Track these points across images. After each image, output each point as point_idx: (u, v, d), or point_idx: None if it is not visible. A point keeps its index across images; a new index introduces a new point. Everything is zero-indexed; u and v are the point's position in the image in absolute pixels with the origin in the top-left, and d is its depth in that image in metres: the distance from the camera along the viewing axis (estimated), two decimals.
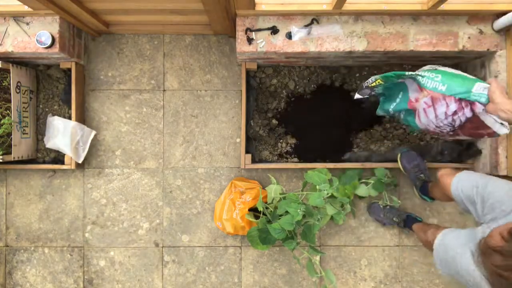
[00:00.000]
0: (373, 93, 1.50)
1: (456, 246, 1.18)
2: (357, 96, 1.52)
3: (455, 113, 1.27)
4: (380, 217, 1.87)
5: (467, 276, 1.10)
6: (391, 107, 1.55)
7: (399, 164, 1.84)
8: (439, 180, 1.39)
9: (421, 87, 1.35)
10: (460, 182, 1.27)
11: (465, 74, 1.29)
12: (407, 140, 1.92)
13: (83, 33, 1.93)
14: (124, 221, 1.96)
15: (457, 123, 1.31)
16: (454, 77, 1.27)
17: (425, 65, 1.91)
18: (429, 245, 1.38)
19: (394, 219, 1.82)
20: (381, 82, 1.42)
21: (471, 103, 1.23)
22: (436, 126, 1.38)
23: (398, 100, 1.51)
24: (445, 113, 1.29)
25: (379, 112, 1.66)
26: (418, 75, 1.34)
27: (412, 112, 1.46)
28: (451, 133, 1.40)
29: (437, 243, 1.28)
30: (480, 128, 1.31)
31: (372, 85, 1.45)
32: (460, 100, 1.24)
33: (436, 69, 1.34)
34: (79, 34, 1.89)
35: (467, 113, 1.26)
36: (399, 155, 1.84)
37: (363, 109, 1.92)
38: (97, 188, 1.96)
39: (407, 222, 1.80)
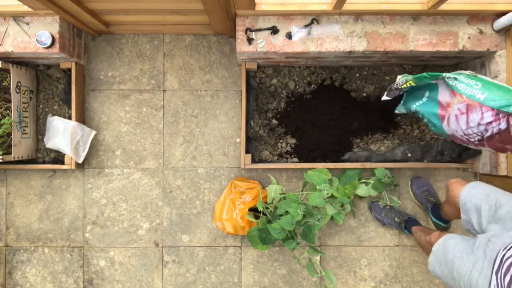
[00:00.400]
0: (401, 93, 1.46)
1: (457, 250, 1.18)
2: (385, 98, 1.48)
3: (489, 123, 1.24)
4: (381, 216, 1.88)
5: (461, 282, 1.10)
6: (415, 105, 1.50)
7: (410, 192, 1.93)
8: (448, 187, 1.35)
9: (455, 92, 1.31)
10: (472, 189, 1.23)
11: (507, 85, 1.25)
12: (407, 140, 1.92)
13: (83, 33, 1.93)
14: (124, 221, 1.96)
15: (488, 133, 1.27)
16: (495, 88, 1.23)
17: (426, 65, 1.92)
18: (427, 246, 1.37)
19: (396, 219, 1.83)
20: (412, 83, 1.38)
21: (508, 115, 1.19)
22: (464, 134, 1.34)
23: (424, 99, 1.46)
24: (478, 122, 1.25)
25: (400, 109, 1.60)
26: (455, 78, 1.30)
27: (437, 116, 1.43)
28: (476, 142, 1.36)
29: (438, 245, 1.27)
30: (506, 143, 1.27)
31: (403, 87, 1.41)
32: (497, 111, 1.21)
33: (476, 76, 1.31)
34: (79, 34, 1.89)
35: (502, 124, 1.22)
36: (409, 183, 1.93)
37: (363, 109, 1.92)
38: (97, 188, 1.96)
39: (408, 223, 1.81)
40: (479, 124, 1.26)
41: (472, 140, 1.35)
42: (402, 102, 1.59)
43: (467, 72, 1.36)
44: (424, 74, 1.34)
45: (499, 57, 1.64)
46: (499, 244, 1.07)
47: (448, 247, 1.22)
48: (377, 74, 1.94)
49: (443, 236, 1.27)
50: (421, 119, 1.57)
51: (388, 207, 1.88)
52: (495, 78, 1.65)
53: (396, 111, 1.63)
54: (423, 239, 1.48)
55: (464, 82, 1.29)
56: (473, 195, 1.22)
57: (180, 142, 1.97)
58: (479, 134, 1.30)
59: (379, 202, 1.90)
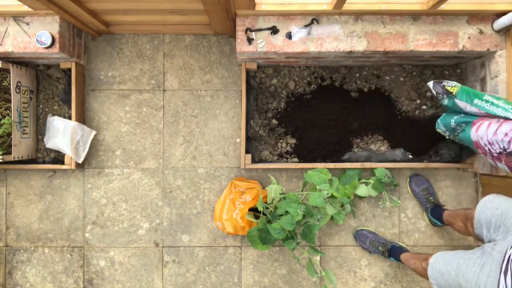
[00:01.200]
0: (439, 94, 1.54)
1: (459, 257, 1.20)
2: (430, 83, 1.57)
3: None
4: (365, 245, 1.87)
5: (468, 286, 1.11)
6: (453, 119, 1.56)
7: (408, 189, 1.92)
8: (470, 219, 1.38)
9: (492, 115, 1.40)
10: (486, 204, 1.28)
11: None
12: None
13: (83, 33, 1.93)
14: (124, 221, 1.96)
15: (510, 148, 1.33)
16: None
17: (426, 65, 1.93)
18: (423, 268, 1.39)
19: (380, 248, 1.82)
20: (455, 91, 1.47)
21: None
22: (488, 142, 1.39)
23: (462, 115, 1.54)
24: (506, 133, 1.31)
25: (439, 127, 1.66)
26: (492, 103, 1.39)
27: (471, 124, 1.49)
28: (495, 154, 1.41)
29: (435, 257, 1.30)
30: None
31: (447, 87, 1.50)
32: None
33: None
34: (79, 34, 1.89)
35: None
36: (407, 180, 1.92)
37: (363, 109, 1.92)
38: (97, 188, 1.96)
39: (392, 252, 1.79)
40: (506, 135, 1.32)
41: (493, 150, 1.40)
42: (439, 120, 1.64)
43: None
44: (470, 89, 1.45)
45: (499, 57, 1.64)
46: (505, 245, 1.08)
47: (448, 257, 1.25)
48: (377, 74, 1.94)
49: (438, 252, 1.32)
50: (456, 138, 1.61)
51: (372, 235, 1.87)
52: (495, 78, 1.65)
53: (437, 130, 1.68)
54: (419, 266, 1.47)
55: (501, 107, 1.38)
56: (484, 210, 1.27)
57: (180, 142, 1.97)
58: (501, 146, 1.35)
59: (379, 202, 1.90)
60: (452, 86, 1.49)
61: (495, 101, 1.40)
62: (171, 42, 1.97)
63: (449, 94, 1.50)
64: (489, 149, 1.41)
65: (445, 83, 1.51)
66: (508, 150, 1.34)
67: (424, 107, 1.92)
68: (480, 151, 1.49)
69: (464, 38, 1.63)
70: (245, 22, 1.64)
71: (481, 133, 1.41)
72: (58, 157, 1.93)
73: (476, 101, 1.44)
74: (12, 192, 1.97)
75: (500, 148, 1.36)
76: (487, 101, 1.41)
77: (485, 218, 1.24)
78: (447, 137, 1.69)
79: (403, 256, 1.68)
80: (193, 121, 1.96)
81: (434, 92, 1.56)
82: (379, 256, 1.90)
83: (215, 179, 1.96)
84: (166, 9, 1.63)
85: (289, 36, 1.63)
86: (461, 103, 1.48)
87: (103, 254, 1.95)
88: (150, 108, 1.97)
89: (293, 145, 1.93)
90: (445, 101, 1.54)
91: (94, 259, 1.96)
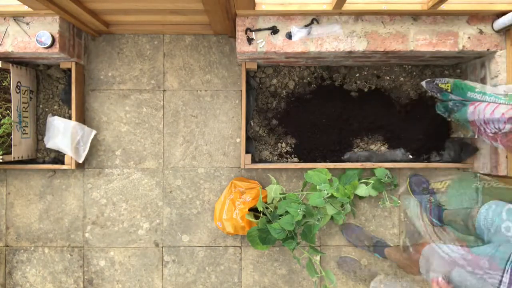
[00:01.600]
0: (433, 92, 1.60)
1: (450, 252, 1.21)
2: (423, 83, 1.64)
3: (510, 118, 1.35)
4: (351, 238, 1.88)
5: (460, 278, 1.13)
6: (451, 101, 1.61)
7: (409, 189, 1.92)
8: (469, 214, 1.39)
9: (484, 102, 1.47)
10: (492, 206, 1.28)
11: None
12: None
13: (83, 33, 1.93)
14: (124, 221, 1.96)
15: (505, 129, 1.37)
16: None
17: (426, 65, 1.93)
18: (408, 261, 1.40)
19: (365, 242, 1.82)
20: (449, 88, 1.54)
21: None
22: (484, 122, 1.44)
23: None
24: (503, 113, 1.35)
25: (439, 108, 1.70)
26: (484, 93, 1.45)
27: (468, 104, 1.53)
28: (491, 134, 1.45)
29: (426, 250, 1.30)
30: None
31: (441, 86, 1.57)
32: None
33: (507, 94, 1.46)
34: (79, 34, 1.89)
35: None
36: (407, 180, 1.92)
37: (363, 109, 1.92)
38: (97, 188, 1.96)
39: (377, 248, 1.79)
40: (502, 115, 1.36)
41: (488, 131, 1.45)
42: (439, 103, 1.69)
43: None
44: (463, 83, 1.52)
45: (499, 57, 1.64)
46: (509, 247, 1.10)
47: (440, 249, 1.26)
48: (377, 74, 1.94)
49: (428, 244, 1.35)
50: (454, 114, 1.64)
51: (357, 230, 1.87)
52: (495, 78, 1.65)
53: (437, 111, 1.73)
54: (401, 256, 1.49)
55: (494, 95, 1.43)
56: (489, 212, 1.27)
57: (180, 142, 1.97)
58: (496, 126, 1.40)
59: (380, 203, 1.90)
60: (445, 83, 1.55)
61: (486, 91, 1.47)
62: (171, 42, 1.97)
63: (443, 91, 1.53)
64: (484, 129, 1.46)
65: (437, 81, 1.56)
66: (503, 131, 1.38)
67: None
68: (475, 129, 1.54)
69: (464, 38, 1.63)
70: (245, 22, 1.64)
71: (479, 112, 1.45)
72: (58, 157, 1.93)
73: (469, 94, 1.51)
74: (12, 192, 1.97)
75: (495, 128, 1.40)
76: (479, 92, 1.48)
77: (489, 219, 1.25)
78: (447, 118, 1.74)
79: (387, 251, 1.70)
80: (193, 121, 1.96)
81: (429, 91, 1.60)
82: (378, 256, 1.90)
83: (215, 179, 1.96)
84: (166, 9, 1.63)
85: (289, 36, 1.63)
86: (456, 98, 1.55)
87: (103, 254, 1.95)
88: (150, 108, 1.97)
89: (293, 145, 1.93)
90: (441, 97, 1.58)
91: (94, 259, 1.96)
